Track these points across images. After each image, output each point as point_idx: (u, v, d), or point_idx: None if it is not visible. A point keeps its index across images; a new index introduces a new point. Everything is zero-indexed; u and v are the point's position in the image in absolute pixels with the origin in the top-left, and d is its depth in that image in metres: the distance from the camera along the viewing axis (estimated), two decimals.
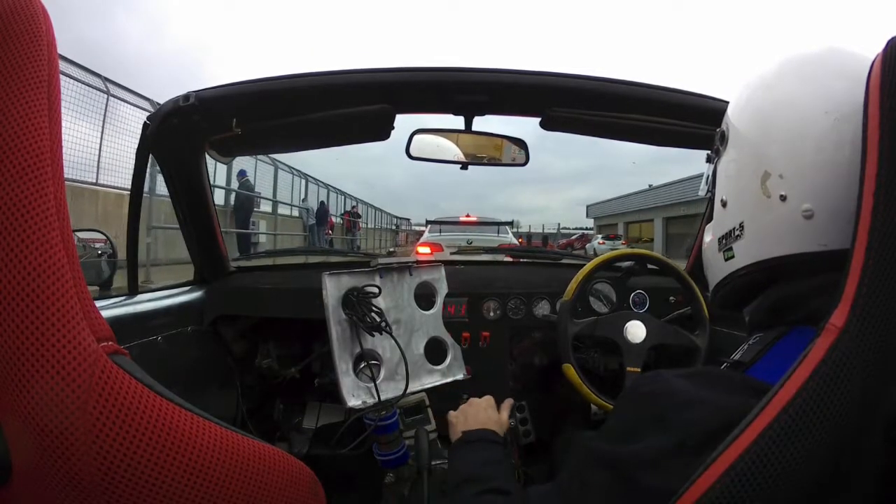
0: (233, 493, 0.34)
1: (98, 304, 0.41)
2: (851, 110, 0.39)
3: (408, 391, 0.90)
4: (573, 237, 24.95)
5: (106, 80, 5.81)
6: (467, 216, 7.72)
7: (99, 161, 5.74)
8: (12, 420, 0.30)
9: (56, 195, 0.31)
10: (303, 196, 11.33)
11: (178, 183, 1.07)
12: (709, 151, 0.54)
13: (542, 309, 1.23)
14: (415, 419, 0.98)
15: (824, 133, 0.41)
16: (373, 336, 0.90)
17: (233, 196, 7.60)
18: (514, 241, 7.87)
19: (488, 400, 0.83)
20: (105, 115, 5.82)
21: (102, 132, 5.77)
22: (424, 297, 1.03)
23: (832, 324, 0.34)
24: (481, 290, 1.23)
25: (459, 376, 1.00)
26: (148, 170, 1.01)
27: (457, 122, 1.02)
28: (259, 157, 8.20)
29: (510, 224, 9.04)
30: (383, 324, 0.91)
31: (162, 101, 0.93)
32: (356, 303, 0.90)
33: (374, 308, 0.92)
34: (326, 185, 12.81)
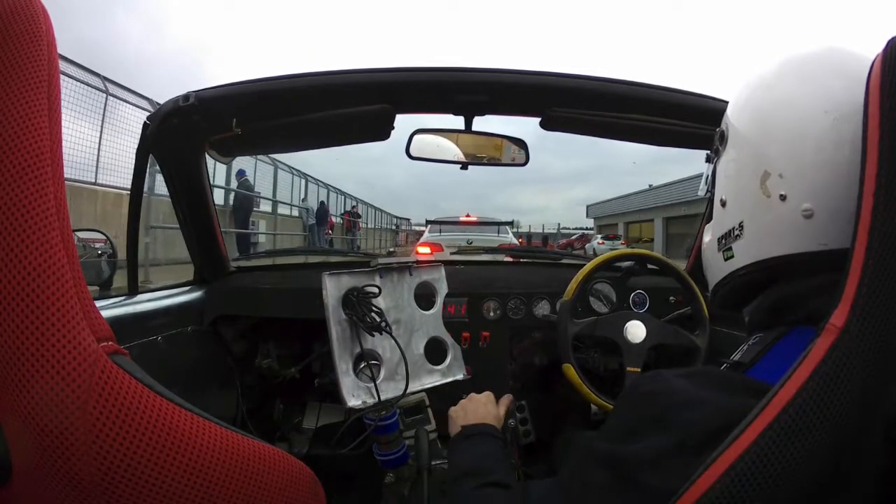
0: (233, 493, 0.34)
1: (98, 304, 0.41)
2: (851, 110, 0.39)
3: (408, 391, 0.91)
4: (573, 237, 24.95)
5: (105, 79, 5.81)
6: (467, 216, 7.71)
7: (98, 161, 5.74)
8: (12, 420, 0.30)
9: (56, 195, 0.31)
10: (303, 196, 11.33)
11: (178, 183, 1.07)
12: (708, 151, 0.54)
13: (542, 309, 1.23)
14: (415, 419, 0.98)
15: (824, 132, 0.41)
16: (373, 336, 0.90)
17: (232, 196, 7.60)
18: (515, 241, 7.87)
19: (488, 395, 0.84)
20: (104, 115, 5.83)
21: (101, 132, 5.78)
22: (424, 297, 1.03)
23: (832, 324, 0.34)
24: (481, 290, 1.23)
25: (459, 376, 1.00)
26: (147, 169, 1.01)
27: (457, 122, 1.02)
28: (259, 156, 8.20)
29: (510, 224, 9.03)
30: (383, 324, 0.91)
31: (162, 101, 0.93)
32: (356, 303, 0.90)
33: (374, 308, 0.92)
34: (326, 185, 12.82)
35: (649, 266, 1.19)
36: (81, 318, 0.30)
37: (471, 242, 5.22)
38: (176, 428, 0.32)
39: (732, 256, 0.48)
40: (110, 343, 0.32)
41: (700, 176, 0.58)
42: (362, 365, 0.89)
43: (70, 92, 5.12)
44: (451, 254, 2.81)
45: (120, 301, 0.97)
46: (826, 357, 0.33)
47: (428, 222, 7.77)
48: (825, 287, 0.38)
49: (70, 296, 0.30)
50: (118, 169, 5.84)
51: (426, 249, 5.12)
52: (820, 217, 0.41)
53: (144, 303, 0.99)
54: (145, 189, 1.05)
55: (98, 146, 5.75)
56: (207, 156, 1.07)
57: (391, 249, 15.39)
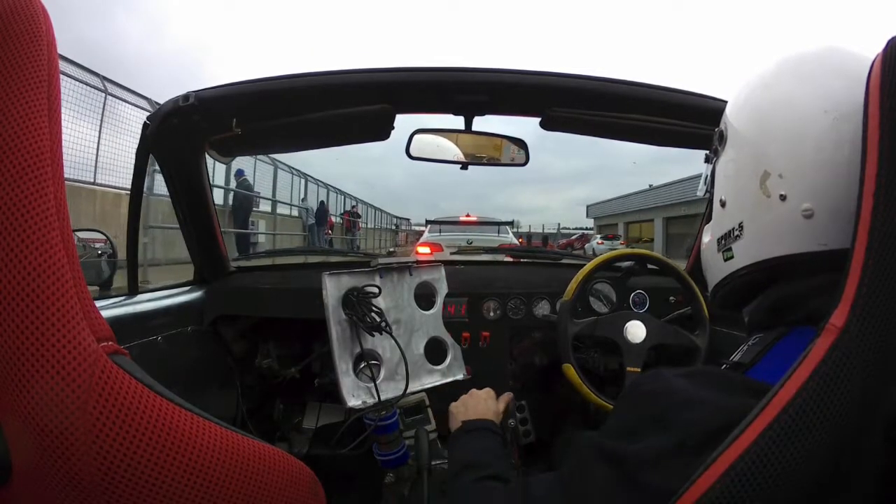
0: (233, 493, 0.34)
1: (98, 304, 0.41)
2: (850, 109, 0.39)
3: (408, 391, 0.91)
4: (573, 237, 24.95)
5: (104, 78, 5.81)
6: (467, 216, 7.71)
7: (97, 160, 5.74)
8: (12, 420, 0.30)
9: (56, 195, 0.31)
10: (302, 196, 11.33)
11: (178, 183, 1.07)
12: (707, 151, 0.54)
13: (542, 309, 1.23)
14: (415, 419, 0.98)
15: (823, 132, 0.41)
16: (373, 336, 0.90)
17: (231, 196, 7.60)
18: (515, 241, 7.86)
19: (488, 391, 0.84)
20: (103, 114, 5.82)
21: (100, 131, 5.77)
22: (424, 297, 1.03)
23: (832, 324, 0.34)
24: (481, 290, 1.23)
25: (459, 376, 1.00)
26: (147, 169, 1.01)
27: (457, 122, 1.02)
28: (258, 156, 8.20)
29: (510, 224, 9.03)
30: (383, 324, 0.91)
31: (162, 101, 0.93)
32: (356, 303, 0.90)
33: (374, 308, 0.92)
34: (326, 185, 12.81)
35: (649, 266, 1.19)
36: (81, 318, 0.30)
37: (471, 242, 5.21)
38: (176, 428, 0.32)
39: (732, 257, 0.48)
40: (110, 343, 0.32)
41: (700, 176, 0.58)
42: (362, 365, 0.89)
43: (69, 91, 5.12)
44: (451, 254, 2.81)
45: (120, 301, 0.97)
46: (826, 357, 0.33)
47: (428, 222, 7.76)
48: (825, 287, 0.38)
49: (70, 296, 0.30)
50: (117, 169, 5.85)
51: (426, 249, 5.12)
52: (820, 217, 0.41)
53: (144, 303, 0.99)
54: (144, 189, 1.05)
55: (97, 146, 5.75)
56: (207, 156, 1.07)
57: (391, 249, 15.39)
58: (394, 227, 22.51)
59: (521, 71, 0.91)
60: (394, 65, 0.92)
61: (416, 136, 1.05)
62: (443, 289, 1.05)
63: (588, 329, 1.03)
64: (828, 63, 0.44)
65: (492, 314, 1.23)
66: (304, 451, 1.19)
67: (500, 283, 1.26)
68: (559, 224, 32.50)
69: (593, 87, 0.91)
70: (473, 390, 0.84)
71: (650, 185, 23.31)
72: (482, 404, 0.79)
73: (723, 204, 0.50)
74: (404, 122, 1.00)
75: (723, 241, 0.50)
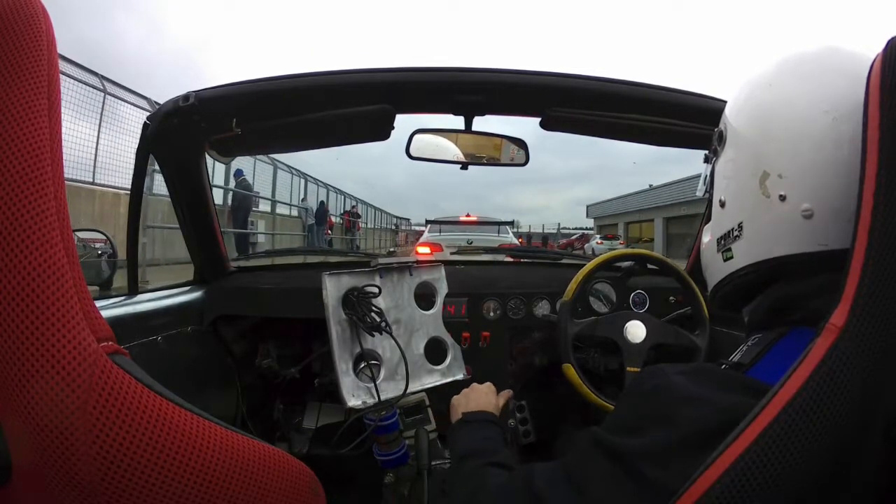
0: (232, 493, 0.34)
1: (98, 304, 0.41)
2: (850, 109, 0.39)
3: (408, 391, 0.91)
4: (573, 237, 24.97)
5: (103, 78, 5.81)
6: (467, 216, 7.70)
7: (95, 160, 5.74)
8: (12, 420, 0.30)
9: (56, 195, 0.31)
10: (302, 196, 11.33)
11: (178, 183, 1.07)
12: (706, 151, 0.54)
13: (542, 309, 1.23)
14: (415, 419, 0.98)
15: (823, 132, 0.41)
16: (373, 336, 0.90)
17: (230, 195, 7.60)
18: (515, 240, 7.86)
19: (489, 386, 0.85)
20: (102, 114, 5.82)
21: (99, 131, 5.77)
22: (424, 297, 1.03)
23: (832, 324, 0.34)
24: (481, 290, 1.23)
25: (459, 376, 1.00)
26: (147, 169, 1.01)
27: (457, 122, 1.02)
28: (258, 156, 8.20)
29: (510, 224, 9.02)
30: (383, 324, 0.91)
31: (162, 101, 0.93)
32: (356, 303, 0.90)
33: (374, 308, 0.92)
34: (326, 185, 12.82)
35: (649, 266, 1.19)
36: (81, 318, 0.30)
37: (471, 242, 5.21)
38: (176, 428, 0.32)
39: (732, 257, 0.48)
40: (110, 343, 0.32)
41: (700, 176, 0.58)
42: (362, 365, 0.89)
43: (68, 91, 5.11)
44: (451, 254, 2.81)
45: (120, 301, 0.97)
46: (826, 357, 0.33)
47: (428, 222, 7.75)
48: (825, 287, 0.38)
49: (70, 296, 0.30)
50: (116, 168, 5.84)
51: (426, 249, 5.12)
52: (819, 217, 0.41)
53: (144, 303, 0.99)
54: (144, 189, 1.05)
55: (96, 146, 5.74)
56: (207, 156, 1.07)
57: (391, 249, 15.39)
58: (394, 227, 22.51)
59: (521, 71, 0.91)
60: (394, 65, 0.92)
61: (416, 136, 1.05)
62: (443, 289, 1.05)
63: (588, 329, 1.03)
64: (828, 63, 0.44)
65: (492, 314, 1.23)
66: (304, 451, 1.19)
67: (500, 283, 1.26)
68: (559, 224, 32.56)
69: (593, 87, 0.91)
70: (475, 384, 0.85)
71: (650, 185, 23.32)
72: (483, 397, 0.80)
73: (722, 204, 0.49)
74: (404, 122, 1.00)
75: (722, 242, 0.49)
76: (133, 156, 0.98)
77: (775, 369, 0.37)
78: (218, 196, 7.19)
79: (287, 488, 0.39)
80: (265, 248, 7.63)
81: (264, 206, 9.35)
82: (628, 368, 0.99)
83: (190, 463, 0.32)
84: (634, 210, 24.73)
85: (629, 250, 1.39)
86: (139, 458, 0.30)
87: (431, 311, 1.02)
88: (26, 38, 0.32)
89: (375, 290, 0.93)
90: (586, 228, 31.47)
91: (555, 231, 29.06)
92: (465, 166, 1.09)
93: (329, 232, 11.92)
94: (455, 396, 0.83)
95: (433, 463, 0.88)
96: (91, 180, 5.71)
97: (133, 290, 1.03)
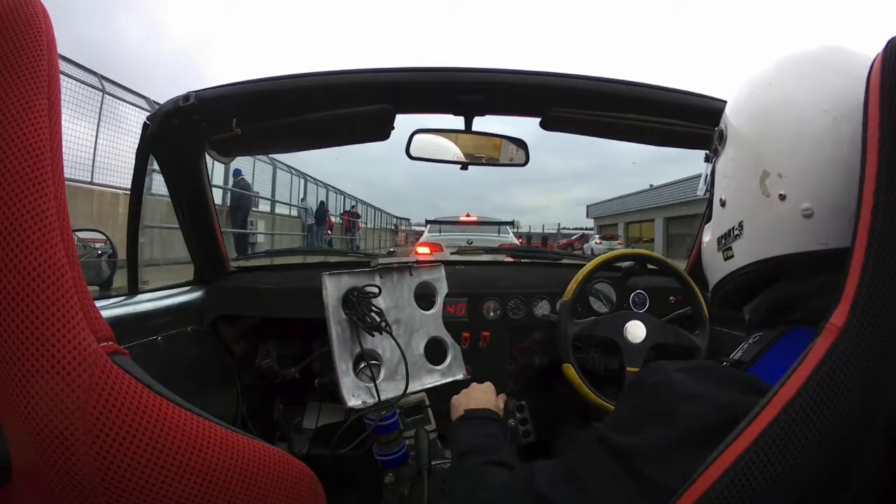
0: (232, 493, 0.34)
1: (98, 304, 0.41)
2: (850, 108, 0.39)
3: (408, 391, 0.91)
4: (573, 237, 24.97)
5: (101, 77, 5.80)
6: (467, 216, 7.70)
7: (94, 160, 5.73)
8: (12, 420, 0.30)
9: (56, 195, 0.31)
10: (302, 196, 11.32)
11: (179, 183, 1.07)
12: (707, 151, 0.54)
13: (542, 309, 1.23)
14: (415, 419, 0.98)
15: (823, 131, 0.41)
16: (373, 336, 0.90)
17: (229, 195, 7.59)
18: (515, 240, 7.86)
19: (489, 385, 0.85)
20: (100, 114, 5.81)
21: (98, 131, 5.76)
22: (424, 297, 1.03)
23: (832, 323, 0.34)
24: (481, 290, 1.23)
25: (459, 376, 1.00)
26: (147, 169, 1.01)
27: (457, 122, 1.02)
28: (257, 156, 8.20)
29: (510, 224, 9.02)
30: (383, 324, 0.91)
31: (162, 101, 0.93)
32: (356, 303, 0.90)
33: (374, 308, 0.92)
34: (326, 185, 12.81)
35: (649, 266, 1.19)
36: (81, 318, 0.30)
37: (471, 242, 5.21)
38: (176, 428, 0.32)
39: (732, 256, 0.48)
40: (110, 343, 0.32)
41: (700, 176, 0.58)
42: (362, 365, 0.89)
43: (66, 90, 5.11)
44: (451, 254, 2.81)
45: (120, 301, 0.97)
46: (826, 357, 0.33)
47: (428, 222, 7.75)
48: (825, 287, 0.38)
49: (70, 296, 0.30)
50: (115, 168, 5.83)
51: (426, 249, 5.12)
52: (820, 216, 0.41)
53: (144, 303, 0.99)
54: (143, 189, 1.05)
55: (94, 145, 5.73)
56: (207, 156, 1.07)
57: (391, 249, 15.39)
58: (393, 228, 22.51)
59: (521, 71, 0.91)
60: (394, 65, 0.92)
61: (416, 136, 1.05)
62: (443, 289, 1.05)
63: (588, 329, 1.03)
64: (828, 62, 0.44)
65: (492, 314, 1.23)
66: (304, 451, 1.19)
67: (500, 283, 1.26)
68: (559, 224, 32.56)
69: (593, 87, 0.91)
70: (475, 384, 0.85)
71: (650, 185, 23.31)
72: (483, 395, 0.81)
73: (723, 203, 0.50)
74: (404, 122, 1.00)
75: (723, 241, 0.50)
76: (132, 155, 0.98)
77: (775, 368, 0.37)
78: (217, 196, 7.18)
79: (287, 488, 0.39)
80: (265, 248, 7.63)
81: (264, 206, 9.34)
82: (628, 368, 0.99)
83: (190, 463, 0.32)
84: (635, 210, 24.73)
85: (629, 250, 1.39)
86: (139, 458, 0.30)
87: (431, 311, 1.02)
88: (26, 38, 0.32)
89: (375, 290, 0.93)
90: (586, 228, 31.47)
91: (555, 231, 29.06)
92: (464, 166, 1.09)
93: (329, 232, 11.92)
94: (455, 396, 0.83)
95: (433, 463, 0.88)
96: (89, 180, 5.70)
97: (133, 290, 1.03)
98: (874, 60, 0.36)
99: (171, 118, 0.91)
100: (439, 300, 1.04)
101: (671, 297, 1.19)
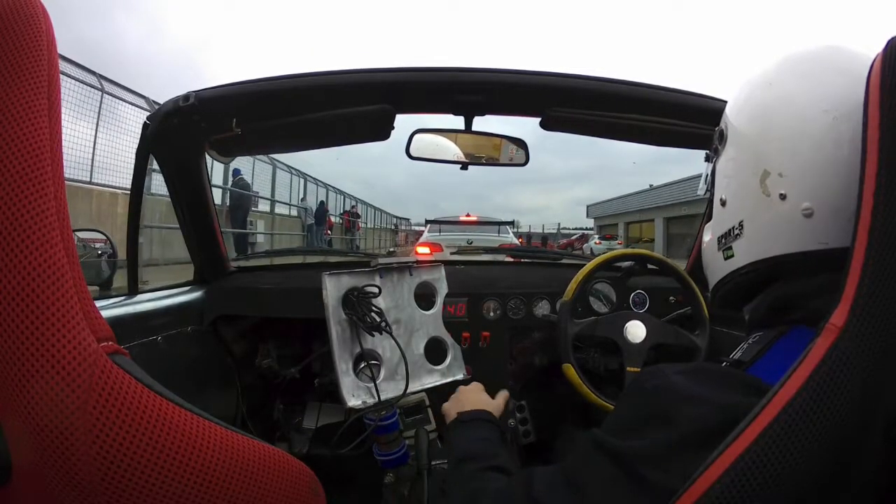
0: (233, 493, 0.34)
1: (98, 304, 0.41)
2: (850, 108, 0.39)
3: (408, 391, 0.91)
4: (573, 237, 24.97)
5: (101, 77, 5.79)
6: (467, 216, 7.70)
7: (93, 160, 5.72)
8: (12, 420, 0.30)
9: (56, 195, 0.31)
10: (301, 195, 11.32)
11: (179, 183, 1.07)
12: (707, 151, 0.54)
13: (542, 309, 1.23)
14: (415, 419, 0.98)
15: (823, 131, 0.41)
16: (373, 336, 0.90)
17: (228, 195, 7.58)
18: (515, 240, 7.85)
19: (477, 385, 0.84)
20: (99, 113, 5.81)
21: (97, 130, 5.76)
22: (424, 297, 1.03)
23: (832, 323, 0.34)
24: (481, 290, 1.23)
25: (459, 376, 1.00)
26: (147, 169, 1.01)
27: (457, 122, 1.02)
28: (257, 156, 8.19)
29: (510, 224, 9.01)
30: (383, 324, 0.91)
31: (162, 101, 0.93)
32: (356, 303, 0.90)
33: (374, 308, 0.92)
34: (326, 185, 12.81)
35: (649, 266, 1.19)
36: (81, 318, 0.30)
37: (471, 242, 5.21)
38: (176, 428, 0.32)
39: (732, 256, 0.48)
40: (110, 343, 0.32)
41: (700, 176, 0.58)
42: (362, 365, 0.89)
43: (65, 90, 5.10)
44: (451, 254, 2.81)
45: (120, 301, 0.97)
46: (826, 357, 0.33)
47: (428, 222, 7.74)
48: (825, 286, 0.38)
49: (70, 296, 0.30)
50: (114, 168, 5.83)
51: (426, 249, 5.12)
52: (820, 216, 0.41)
53: (144, 303, 0.99)
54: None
55: (93, 145, 5.73)
56: (207, 156, 1.07)
57: (391, 249, 15.39)
58: (393, 227, 22.51)
59: (521, 71, 0.91)
60: (394, 65, 0.92)
61: (416, 136, 1.05)
62: (443, 289, 1.05)
63: (588, 329, 1.03)
64: (828, 62, 0.44)
65: (492, 314, 1.22)
66: (304, 451, 1.19)
67: (500, 283, 1.26)
68: (559, 224, 32.58)
69: (593, 87, 0.91)
70: (461, 387, 0.84)
71: (650, 185, 23.30)
72: (473, 396, 0.79)
73: (723, 203, 0.50)
74: (404, 122, 1.00)
75: (723, 240, 0.50)
76: (131, 155, 0.98)
77: (775, 368, 0.37)
78: (217, 196, 7.17)
79: (287, 488, 0.39)
80: (264, 248, 7.63)
81: (263, 206, 9.34)
82: (628, 368, 0.99)
83: (190, 463, 0.32)
84: (635, 210, 24.72)
85: (629, 250, 1.39)
86: (139, 458, 0.30)
87: (431, 311, 1.02)
88: (26, 38, 0.32)
89: (375, 290, 0.93)
90: (586, 228, 31.46)
91: (555, 231, 29.08)
92: (464, 166, 1.09)
93: (329, 232, 11.92)
94: (444, 404, 0.80)
95: (433, 463, 0.88)
96: (88, 180, 5.70)
97: (133, 290, 1.03)
98: (874, 60, 0.36)
99: (171, 118, 0.91)
100: (439, 300, 1.04)
101: (671, 297, 1.19)
